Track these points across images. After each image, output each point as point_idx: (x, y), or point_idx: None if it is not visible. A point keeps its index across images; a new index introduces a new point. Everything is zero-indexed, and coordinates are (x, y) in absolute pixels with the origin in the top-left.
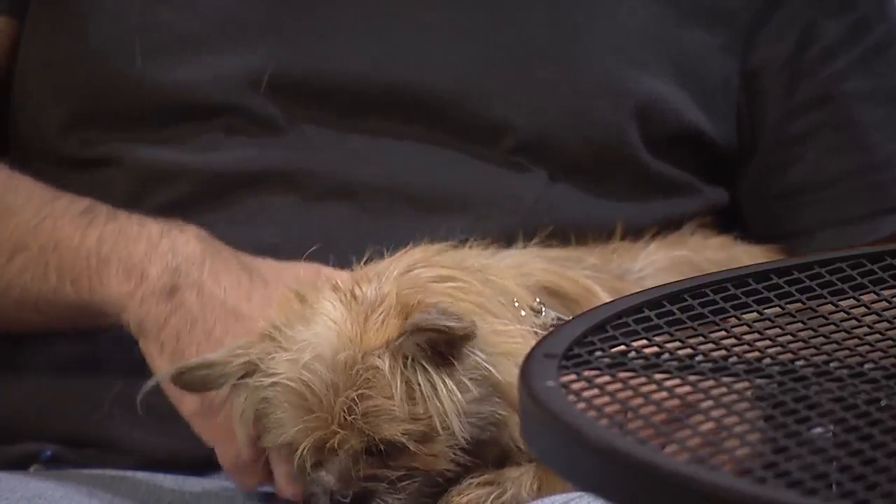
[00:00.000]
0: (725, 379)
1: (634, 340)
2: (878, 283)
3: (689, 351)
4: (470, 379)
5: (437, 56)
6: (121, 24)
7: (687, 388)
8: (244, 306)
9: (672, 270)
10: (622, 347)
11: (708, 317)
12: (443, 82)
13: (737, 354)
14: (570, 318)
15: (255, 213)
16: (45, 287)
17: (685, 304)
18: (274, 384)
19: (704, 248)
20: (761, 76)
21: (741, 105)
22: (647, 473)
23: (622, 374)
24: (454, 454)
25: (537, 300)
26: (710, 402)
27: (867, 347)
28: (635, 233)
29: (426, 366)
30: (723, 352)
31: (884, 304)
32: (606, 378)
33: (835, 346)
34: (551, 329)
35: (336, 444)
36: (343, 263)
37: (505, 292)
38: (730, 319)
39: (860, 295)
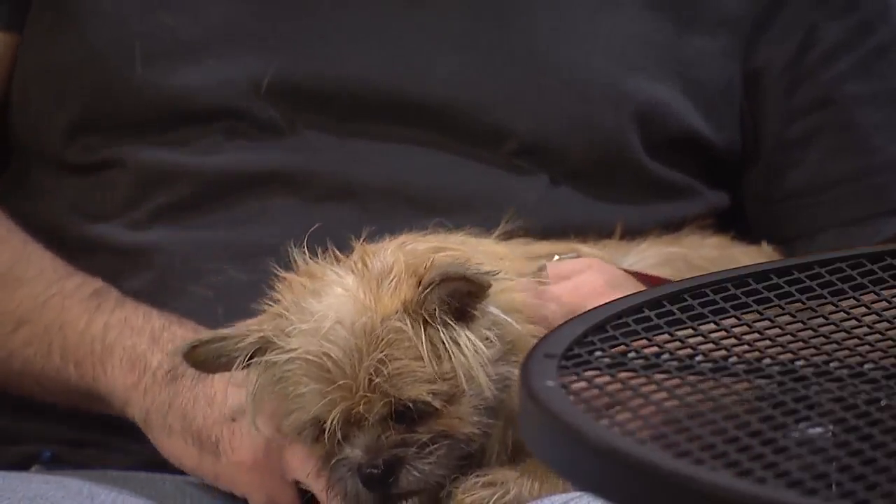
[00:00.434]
0: (725, 379)
1: (634, 340)
2: (878, 283)
3: (689, 351)
4: (489, 332)
5: (438, 62)
6: (121, 30)
7: (687, 389)
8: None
9: (665, 266)
10: (622, 347)
11: (708, 317)
12: (443, 88)
13: (737, 354)
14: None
15: (256, 215)
16: (49, 365)
17: (685, 304)
18: (292, 360)
19: (700, 247)
20: (763, 79)
21: (744, 108)
22: (647, 473)
23: (622, 374)
24: (478, 417)
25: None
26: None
27: (867, 347)
28: (636, 235)
29: (448, 321)
30: (723, 352)
31: (884, 304)
32: (606, 378)
33: (835, 346)
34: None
35: (363, 412)
36: None
37: (497, 255)
38: (730, 319)
39: (860, 295)
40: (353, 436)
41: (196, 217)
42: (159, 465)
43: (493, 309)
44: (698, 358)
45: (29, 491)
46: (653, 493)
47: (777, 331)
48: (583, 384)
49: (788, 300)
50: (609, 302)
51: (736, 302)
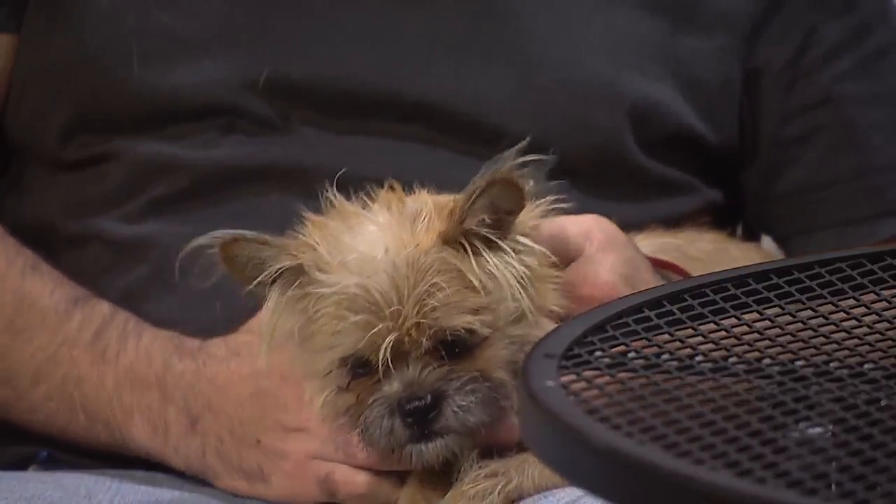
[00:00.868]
0: (725, 379)
1: (634, 340)
2: (878, 283)
3: (689, 351)
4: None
5: (434, 61)
6: (117, 29)
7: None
8: (248, 379)
9: (659, 255)
10: (622, 347)
11: (708, 317)
12: (439, 87)
13: (737, 354)
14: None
15: (251, 210)
16: (75, 422)
17: (685, 303)
18: (329, 295)
19: (697, 240)
20: (762, 78)
21: (743, 106)
22: (647, 473)
23: (622, 375)
24: (506, 362)
25: None
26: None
27: (867, 347)
28: (634, 232)
29: (491, 237)
30: (723, 352)
31: (884, 304)
32: (606, 378)
33: (835, 346)
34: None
35: (409, 345)
36: None
37: None
38: (729, 319)
39: (860, 295)
40: (393, 371)
41: (191, 211)
42: (156, 464)
43: (521, 238)
44: (698, 358)
45: (26, 491)
46: (653, 493)
47: (777, 331)
48: (583, 384)
49: (788, 300)
50: (609, 302)
51: (736, 302)
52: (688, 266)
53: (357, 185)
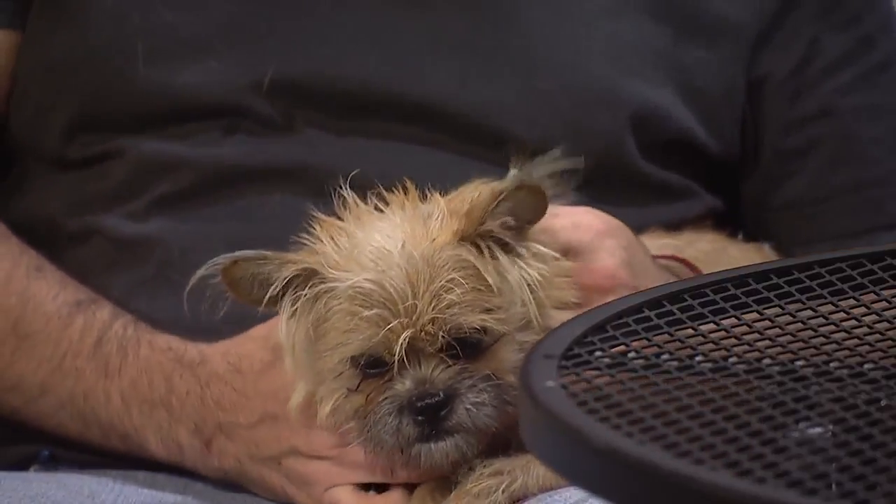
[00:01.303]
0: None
1: (634, 340)
2: (878, 283)
3: (689, 351)
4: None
5: (437, 64)
6: (122, 28)
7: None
8: (254, 400)
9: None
10: (622, 347)
11: (708, 317)
12: (442, 90)
13: (737, 354)
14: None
15: (254, 209)
16: (90, 434)
17: (685, 303)
18: (342, 292)
19: (696, 241)
20: (765, 88)
21: (746, 115)
22: (647, 473)
23: (622, 375)
24: (517, 364)
25: None
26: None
27: (867, 347)
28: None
29: (508, 241)
30: (723, 352)
31: (884, 304)
32: (606, 378)
33: (835, 346)
34: None
35: (423, 342)
36: None
37: None
38: (729, 319)
39: (860, 295)
40: (405, 369)
41: (195, 209)
42: (158, 464)
43: (535, 244)
44: (698, 358)
45: (30, 490)
46: (653, 493)
47: (777, 331)
48: (583, 384)
49: (788, 300)
50: (609, 302)
51: (736, 302)
52: None
53: (358, 185)
